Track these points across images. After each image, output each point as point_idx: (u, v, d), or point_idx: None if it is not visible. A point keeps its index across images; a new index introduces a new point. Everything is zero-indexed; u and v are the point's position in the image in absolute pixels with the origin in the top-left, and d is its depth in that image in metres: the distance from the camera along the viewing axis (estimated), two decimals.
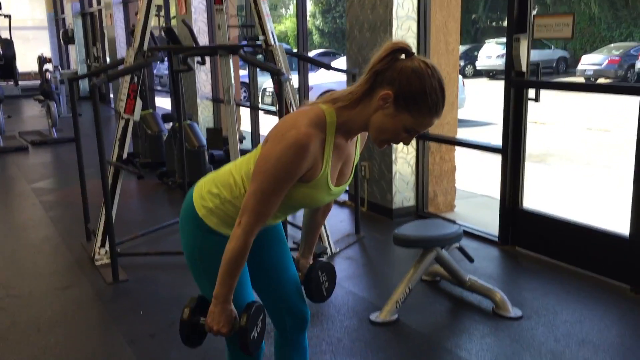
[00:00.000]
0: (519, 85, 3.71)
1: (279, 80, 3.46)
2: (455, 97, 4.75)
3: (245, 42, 4.88)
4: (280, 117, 3.69)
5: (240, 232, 1.56)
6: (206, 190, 1.74)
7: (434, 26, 4.46)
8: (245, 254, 1.59)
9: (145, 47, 3.87)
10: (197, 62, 5.62)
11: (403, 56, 1.51)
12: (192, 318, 1.67)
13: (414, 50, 4.51)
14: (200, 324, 1.67)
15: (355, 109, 1.55)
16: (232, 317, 1.65)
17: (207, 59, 7.21)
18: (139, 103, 3.88)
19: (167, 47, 4.39)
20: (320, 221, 1.99)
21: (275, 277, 1.91)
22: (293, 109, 3.87)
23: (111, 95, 13.28)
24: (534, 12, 3.67)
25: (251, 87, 7.48)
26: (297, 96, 3.90)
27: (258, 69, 6.47)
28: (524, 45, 3.63)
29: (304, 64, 5.84)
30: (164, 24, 7.72)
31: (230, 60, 4.59)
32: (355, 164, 1.76)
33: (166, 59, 5.28)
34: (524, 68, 3.66)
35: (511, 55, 3.70)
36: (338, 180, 1.68)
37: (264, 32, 3.85)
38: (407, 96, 1.48)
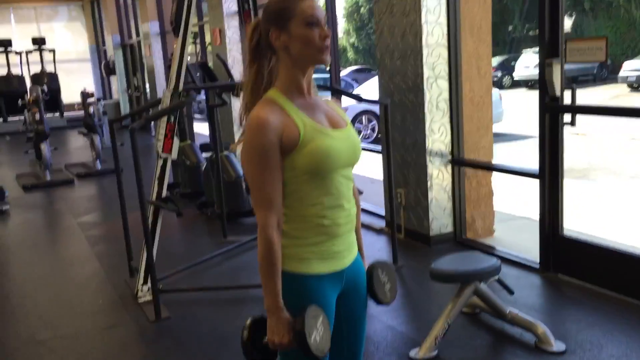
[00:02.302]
0: (553, 111, 3.66)
1: None
2: (489, 121, 4.70)
3: None
4: None
5: (259, 229, 1.59)
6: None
7: (465, 52, 4.44)
8: (273, 249, 1.57)
9: (181, 87, 3.98)
10: (233, 95, 5.72)
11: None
12: (253, 338, 1.63)
13: (446, 76, 4.42)
14: (263, 344, 1.61)
15: (281, 71, 1.65)
16: (290, 325, 1.59)
17: None
18: (176, 142, 3.98)
19: (201, 86, 4.50)
20: (357, 219, 1.84)
21: (349, 343, 1.82)
22: None
23: (152, 123, 13.62)
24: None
25: None
26: None
27: None
28: (557, 69, 3.58)
29: (337, 84, 5.94)
30: (199, 58, 7.90)
31: None
32: (348, 122, 1.74)
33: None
34: (557, 93, 3.60)
35: (544, 80, 3.65)
36: (334, 125, 1.68)
37: None
38: (278, 16, 1.62)
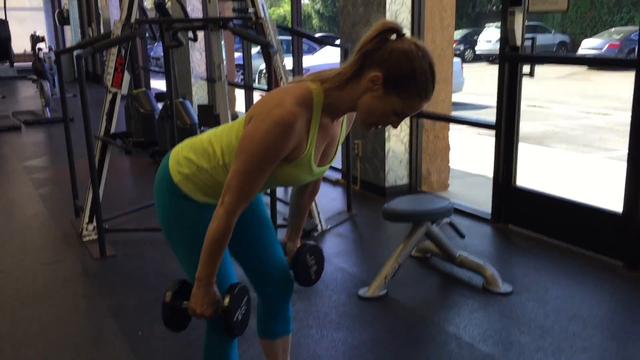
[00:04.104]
0: (513, 60, 3.64)
1: (268, 53, 3.39)
2: (449, 74, 4.68)
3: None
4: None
5: (222, 212, 1.52)
6: (182, 156, 1.69)
7: (429, 1, 4.37)
8: (227, 235, 1.55)
9: (133, 19, 3.79)
10: (190, 39, 5.53)
11: (394, 36, 1.46)
12: (174, 301, 1.63)
13: (408, 25, 4.40)
14: (182, 307, 1.63)
15: (344, 90, 1.51)
16: (215, 299, 1.61)
17: (200, 36, 7.13)
18: (126, 76, 3.82)
19: (155, 19, 4.31)
20: (307, 204, 1.95)
21: (256, 246, 1.87)
22: (284, 84, 3.80)
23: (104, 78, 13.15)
24: None
25: (246, 66, 7.40)
26: (287, 70, 3.82)
27: (252, 50, 6.41)
28: (519, 18, 3.56)
29: (298, 46, 5.83)
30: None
31: (222, 37, 4.53)
32: (339, 145, 1.71)
33: (159, 35, 5.21)
34: (518, 42, 3.58)
35: (506, 29, 3.62)
36: (321, 161, 1.65)
37: (253, 4, 3.77)
38: (396, 79, 1.43)
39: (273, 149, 1.47)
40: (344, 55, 4.07)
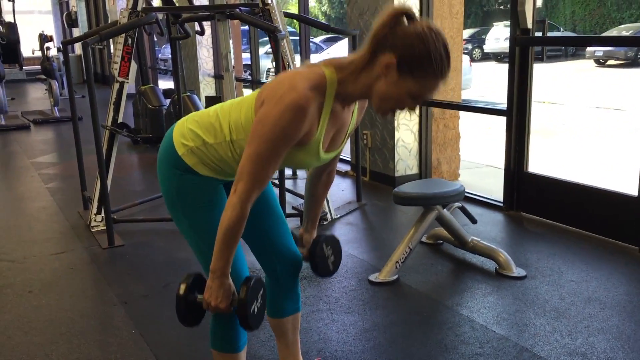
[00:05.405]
0: (524, 43, 3.59)
1: (275, 38, 3.35)
2: (459, 63, 4.62)
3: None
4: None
5: (236, 200, 1.48)
6: (188, 129, 1.65)
7: None
8: (242, 224, 1.51)
9: (139, 7, 3.78)
10: (197, 32, 5.52)
11: (405, 21, 1.43)
12: (188, 294, 1.59)
13: (417, 13, 4.37)
14: (197, 301, 1.59)
15: (357, 78, 1.48)
16: (230, 291, 1.57)
17: (207, 29, 7.11)
18: (133, 66, 3.79)
19: (161, 7, 4.30)
20: (322, 194, 1.91)
21: (262, 220, 1.83)
22: (291, 69, 3.77)
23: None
24: None
25: (253, 60, 7.38)
26: (294, 56, 3.79)
27: (260, 50, 6.37)
28: (529, 0, 3.51)
29: (306, 46, 5.85)
30: None
31: (229, 28, 4.51)
32: (349, 133, 1.68)
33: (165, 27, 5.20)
34: (529, 25, 3.53)
35: (516, 12, 3.57)
36: (329, 147, 1.62)
37: None
38: (410, 61, 1.40)
39: (286, 134, 1.44)
40: (352, 43, 4.02)
